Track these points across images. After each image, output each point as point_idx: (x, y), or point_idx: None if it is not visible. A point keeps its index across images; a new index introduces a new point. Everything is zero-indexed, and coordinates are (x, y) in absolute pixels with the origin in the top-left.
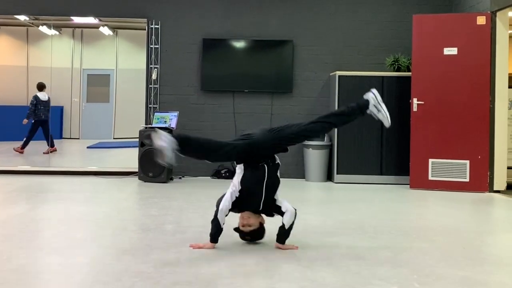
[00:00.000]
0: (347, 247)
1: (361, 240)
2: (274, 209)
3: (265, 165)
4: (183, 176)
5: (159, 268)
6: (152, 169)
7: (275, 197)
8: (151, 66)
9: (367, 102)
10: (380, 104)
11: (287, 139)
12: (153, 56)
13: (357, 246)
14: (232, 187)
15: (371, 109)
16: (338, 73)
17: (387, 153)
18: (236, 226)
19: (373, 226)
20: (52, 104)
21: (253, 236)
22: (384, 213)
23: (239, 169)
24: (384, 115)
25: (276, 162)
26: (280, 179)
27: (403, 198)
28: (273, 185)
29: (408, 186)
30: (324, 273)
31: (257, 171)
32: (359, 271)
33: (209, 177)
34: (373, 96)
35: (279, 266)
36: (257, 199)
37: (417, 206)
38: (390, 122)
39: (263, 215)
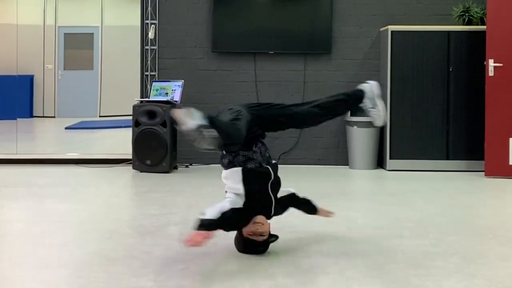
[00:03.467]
0: (403, 253)
1: (422, 244)
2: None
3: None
4: (190, 164)
5: (162, 282)
6: (150, 155)
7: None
8: (147, 21)
9: (361, 93)
10: (376, 100)
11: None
12: (149, 8)
13: (417, 251)
14: (229, 194)
15: (365, 102)
16: (391, 27)
17: (455, 132)
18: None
19: (438, 226)
20: (19, 72)
21: (266, 246)
22: (451, 209)
23: (230, 163)
24: (378, 114)
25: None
26: (317, 166)
27: (476, 189)
28: (278, 185)
29: (483, 173)
30: (375, 287)
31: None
32: (421, 283)
33: None
34: (370, 88)
35: (315, 278)
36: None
37: (494, 198)
38: (384, 121)
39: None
